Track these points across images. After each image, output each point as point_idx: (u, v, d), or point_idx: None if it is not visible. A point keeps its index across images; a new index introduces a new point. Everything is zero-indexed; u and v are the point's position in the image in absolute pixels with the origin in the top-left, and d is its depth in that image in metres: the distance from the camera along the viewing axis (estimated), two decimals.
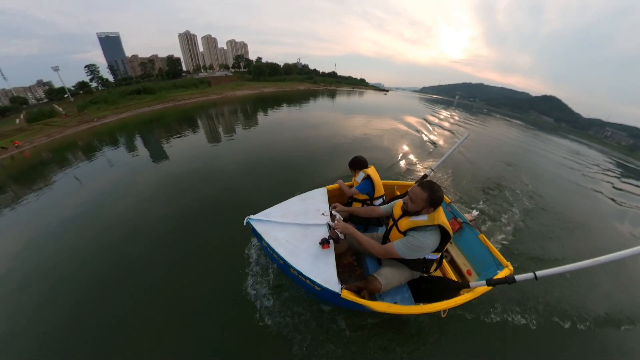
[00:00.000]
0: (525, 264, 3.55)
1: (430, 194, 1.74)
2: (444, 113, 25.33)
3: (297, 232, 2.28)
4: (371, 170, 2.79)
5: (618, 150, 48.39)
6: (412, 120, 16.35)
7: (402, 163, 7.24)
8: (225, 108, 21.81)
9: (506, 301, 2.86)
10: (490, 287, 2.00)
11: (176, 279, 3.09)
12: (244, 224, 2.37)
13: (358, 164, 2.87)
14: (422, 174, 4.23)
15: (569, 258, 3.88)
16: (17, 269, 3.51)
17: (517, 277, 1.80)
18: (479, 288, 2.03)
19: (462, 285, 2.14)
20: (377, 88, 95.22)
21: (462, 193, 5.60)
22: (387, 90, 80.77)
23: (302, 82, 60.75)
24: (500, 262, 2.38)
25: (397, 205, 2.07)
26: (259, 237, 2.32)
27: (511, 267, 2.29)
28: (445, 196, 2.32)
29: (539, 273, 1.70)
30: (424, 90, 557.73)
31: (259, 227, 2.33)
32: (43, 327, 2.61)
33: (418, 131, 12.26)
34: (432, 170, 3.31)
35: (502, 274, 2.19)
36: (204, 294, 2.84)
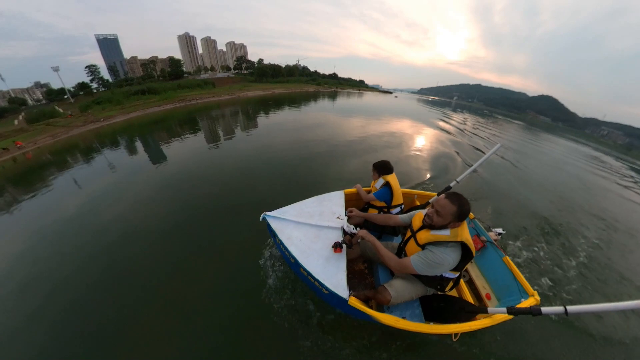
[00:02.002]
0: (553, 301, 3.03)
1: (459, 208, 1.62)
2: (456, 117, 25.08)
3: (310, 232, 2.27)
4: (391, 178, 2.73)
5: (615, 149, 47.23)
6: (428, 125, 15.73)
7: (421, 172, 6.71)
8: (242, 108, 21.17)
9: (528, 336, 2.54)
10: (510, 316, 1.82)
11: (193, 267, 3.19)
12: (260, 219, 2.39)
13: (382, 168, 2.78)
14: (427, 182, 3.88)
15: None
16: (19, 270, 3.42)
17: (544, 309, 1.59)
18: (498, 315, 1.89)
19: (479, 309, 1.99)
20: (377, 90, 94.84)
21: (479, 207, 4.94)
22: (392, 92, 79.66)
23: (306, 84, 60.49)
24: (526, 290, 2.18)
25: (417, 216, 1.98)
26: (273, 234, 2.33)
27: (538, 297, 2.06)
28: None
29: (570, 308, 1.49)
30: (422, 91, 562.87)
31: (274, 224, 2.34)
32: (45, 328, 2.56)
33: (444, 143, 11.03)
34: (457, 181, 3.06)
35: (526, 303, 1.98)
36: (206, 293, 2.84)
